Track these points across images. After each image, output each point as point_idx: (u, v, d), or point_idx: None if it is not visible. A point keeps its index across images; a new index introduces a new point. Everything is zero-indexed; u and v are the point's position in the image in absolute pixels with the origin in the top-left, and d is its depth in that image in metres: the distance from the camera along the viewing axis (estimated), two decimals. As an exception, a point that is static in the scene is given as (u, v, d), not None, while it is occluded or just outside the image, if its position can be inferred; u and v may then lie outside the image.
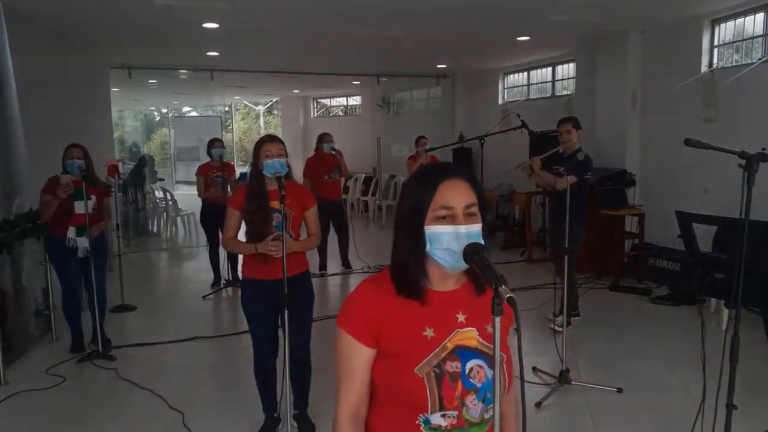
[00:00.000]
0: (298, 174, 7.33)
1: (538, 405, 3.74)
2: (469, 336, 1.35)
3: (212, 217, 6.43)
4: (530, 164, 4.94)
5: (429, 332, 1.34)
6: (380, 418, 1.39)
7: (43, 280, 5.05)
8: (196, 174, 6.64)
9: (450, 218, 1.31)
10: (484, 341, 1.36)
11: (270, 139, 3.23)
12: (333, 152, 7.04)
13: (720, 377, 2.47)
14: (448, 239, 1.30)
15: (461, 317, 1.36)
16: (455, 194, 1.32)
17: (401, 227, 1.38)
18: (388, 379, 1.34)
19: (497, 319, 1.18)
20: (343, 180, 7.56)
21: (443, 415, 1.31)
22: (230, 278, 6.78)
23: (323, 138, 7.12)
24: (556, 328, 4.82)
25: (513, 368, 1.43)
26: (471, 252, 1.26)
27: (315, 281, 3.51)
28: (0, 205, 4.78)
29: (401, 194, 1.43)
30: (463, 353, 1.34)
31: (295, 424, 3.42)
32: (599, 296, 6.15)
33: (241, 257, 3.49)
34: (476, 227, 1.32)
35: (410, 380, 1.31)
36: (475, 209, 1.33)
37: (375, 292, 1.37)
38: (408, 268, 1.36)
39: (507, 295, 1.15)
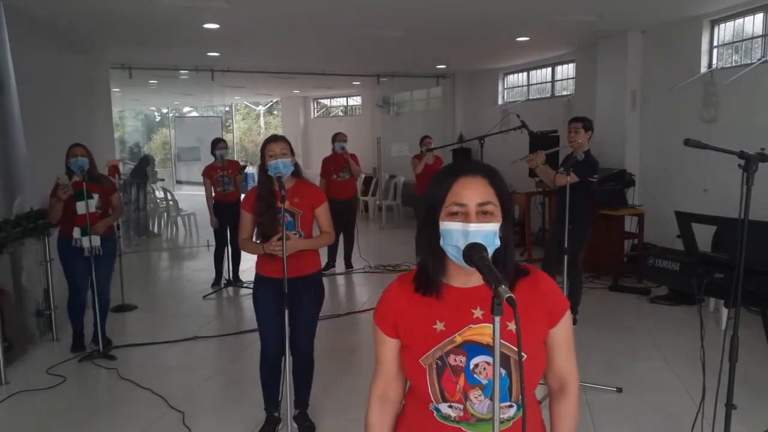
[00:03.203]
0: (308, 172, 7.36)
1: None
2: (484, 332, 1.35)
3: (220, 217, 6.47)
4: (534, 158, 4.93)
5: (439, 325, 1.36)
6: (409, 400, 1.49)
7: (44, 280, 5.06)
8: (203, 175, 6.66)
9: (462, 215, 1.32)
10: (501, 339, 1.34)
11: (273, 139, 3.23)
12: (342, 152, 7.08)
13: (719, 377, 2.48)
14: (457, 236, 1.30)
15: (478, 313, 1.36)
16: (469, 191, 1.32)
17: (420, 222, 1.43)
18: (404, 369, 1.43)
19: (497, 319, 1.18)
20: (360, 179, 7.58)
21: (450, 406, 1.34)
22: (231, 278, 6.80)
23: (335, 137, 7.20)
24: None
25: (539, 370, 1.41)
26: (470, 252, 1.26)
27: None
28: (0, 206, 4.78)
29: (426, 188, 1.45)
30: (471, 348, 1.34)
31: (295, 425, 3.42)
32: (599, 296, 6.15)
33: (248, 256, 3.50)
34: (489, 226, 1.31)
35: (415, 370, 1.37)
36: (491, 207, 1.33)
37: (398, 288, 1.45)
38: (426, 263, 1.39)
39: (506, 295, 1.15)
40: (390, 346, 1.45)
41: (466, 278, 1.38)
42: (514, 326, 1.32)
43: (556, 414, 1.50)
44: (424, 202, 1.39)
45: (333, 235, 3.44)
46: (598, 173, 5.05)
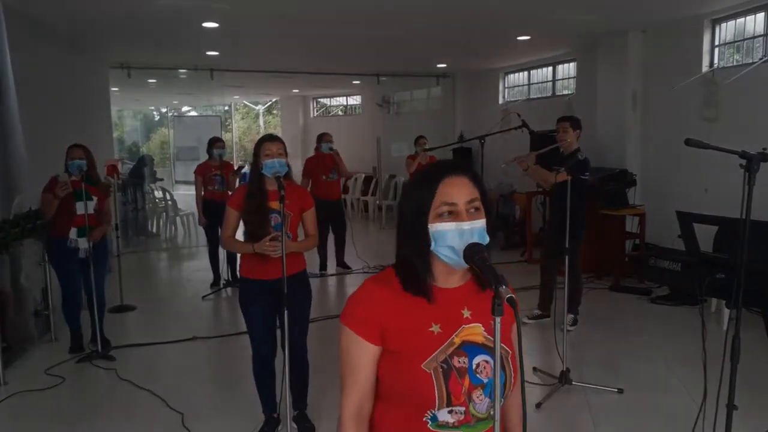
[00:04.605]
0: (297, 173, 7.34)
1: (538, 405, 3.73)
2: (476, 331, 1.35)
3: (212, 216, 6.43)
4: (525, 159, 4.92)
5: (435, 328, 1.34)
6: (386, 415, 1.39)
7: (43, 280, 5.04)
8: (195, 173, 6.63)
9: (453, 215, 1.31)
10: (490, 336, 1.35)
11: (270, 138, 3.22)
12: (331, 152, 7.04)
13: (721, 377, 2.46)
14: (452, 236, 1.29)
15: (467, 313, 1.36)
16: (457, 190, 1.32)
17: (404, 227, 1.38)
18: (394, 377, 1.34)
19: (497, 319, 1.18)
20: (343, 180, 7.56)
21: (450, 411, 1.31)
22: (229, 278, 6.78)
23: (322, 138, 7.13)
24: (568, 327, 4.81)
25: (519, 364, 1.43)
26: (471, 252, 1.26)
27: (314, 281, 3.52)
28: (-1, 205, 4.77)
29: (403, 194, 1.42)
30: (470, 348, 1.34)
31: (295, 425, 3.41)
32: (600, 296, 6.14)
33: (239, 256, 3.49)
34: (480, 223, 1.31)
35: (417, 376, 1.30)
36: (478, 204, 1.33)
37: (379, 289, 1.38)
38: (413, 266, 1.35)
39: (507, 295, 1.15)
40: (371, 355, 1.35)
41: (449, 278, 1.37)
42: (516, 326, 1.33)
43: (509, 407, 1.51)
44: (409, 206, 1.36)
45: (318, 239, 3.45)
46: (590, 171, 5.04)
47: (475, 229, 1.30)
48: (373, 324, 1.34)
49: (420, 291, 1.35)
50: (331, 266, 7.40)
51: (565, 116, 5.10)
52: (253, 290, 3.23)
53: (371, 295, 1.38)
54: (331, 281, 7.12)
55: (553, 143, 5.12)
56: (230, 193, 6.47)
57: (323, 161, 7.09)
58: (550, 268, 5.15)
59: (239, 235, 3.33)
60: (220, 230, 6.39)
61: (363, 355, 1.35)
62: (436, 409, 1.30)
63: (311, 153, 7.55)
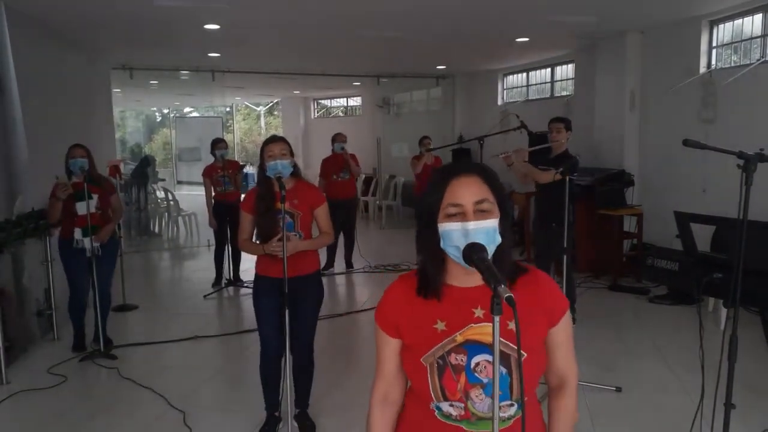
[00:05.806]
0: (308, 172, 7.36)
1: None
2: (486, 331, 1.34)
3: (221, 216, 6.49)
4: (511, 155, 4.94)
5: (440, 325, 1.37)
6: (409, 400, 1.49)
7: (45, 279, 5.07)
8: (203, 175, 6.68)
9: (460, 215, 1.32)
10: (502, 338, 1.35)
11: (272, 139, 3.24)
12: (342, 152, 7.10)
13: (718, 376, 2.49)
14: (457, 236, 1.31)
15: (479, 312, 1.37)
16: (465, 191, 1.33)
17: (419, 226, 1.43)
18: (405, 368, 1.44)
19: (497, 319, 1.18)
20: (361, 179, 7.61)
21: (451, 405, 1.35)
22: (231, 278, 6.81)
23: (335, 138, 7.22)
24: None
25: (539, 369, 1.41)
26: (469, 252, 1.27)
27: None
28: (1, 206, 4.79)
29: (421, 195, 1.46)
30: (472, 347, 1.35)
31: (296, 424, 3.43)
32: (598, 296, 6.16)
33: (248, 256, 3.53)
34: (487, 223, 1.31)
35: (416, 369, 1.37)
36: (487, 205, 1.33)
37: (401, 287, 1.46)
38: (425, 271, 1.40)
39: (506, 295, 1.15)
40: (392, 347, 1.46)
41: (467, 277, 1.39)
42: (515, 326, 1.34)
43: (554, 410, 1.52)
44: (421, 207, 1.40)
45: (332, 236, 3.47)
46: (578, 172, 5.06)
47: (481, 229, 1.30)
48: (391, 319, 1.44)
49: (429, 293, 1.40)
50: (336, 266, 7.42)
51: (560, 117, 5.12)
52: (265, 287, 3.26)
53: (392, 293, 1.48)
54: (332, 280, 7.14)
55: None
56: (240, 191, 6.55)
57: (336, 161, 7.16)
58: (544, 268, 5.17)
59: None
60: (228, 230, 6.50)
61: (386, 348, 1.47)
62: (434, 401, 1.36)
63: (312, 154, 7.62)
